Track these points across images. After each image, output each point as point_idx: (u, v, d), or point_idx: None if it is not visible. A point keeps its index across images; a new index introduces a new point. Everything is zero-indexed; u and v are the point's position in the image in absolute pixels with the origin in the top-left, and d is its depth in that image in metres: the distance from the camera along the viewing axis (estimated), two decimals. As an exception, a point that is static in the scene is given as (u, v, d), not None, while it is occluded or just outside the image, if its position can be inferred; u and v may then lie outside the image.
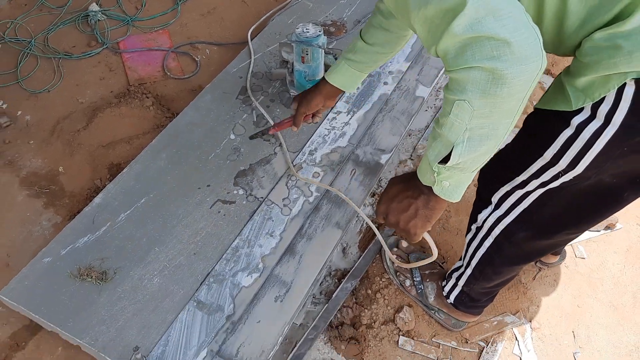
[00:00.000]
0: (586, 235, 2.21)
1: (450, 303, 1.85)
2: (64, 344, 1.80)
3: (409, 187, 1.10)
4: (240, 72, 2.45)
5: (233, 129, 2.26)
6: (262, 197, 2.08)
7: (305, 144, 2.22)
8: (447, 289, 1.82)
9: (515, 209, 1.39)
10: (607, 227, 2.23)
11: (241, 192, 2.09)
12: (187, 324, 1.76)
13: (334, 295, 1.99)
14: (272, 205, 2.06)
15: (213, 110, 2.31)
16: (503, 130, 0.91)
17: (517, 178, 1.30)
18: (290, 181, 2.13)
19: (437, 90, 2.62)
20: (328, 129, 2.28)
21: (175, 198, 2.03)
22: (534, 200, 1.33)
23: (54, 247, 1.91)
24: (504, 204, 1.40)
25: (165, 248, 1.92)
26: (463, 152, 0.94)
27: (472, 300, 1.79)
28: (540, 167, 1.23)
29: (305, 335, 1.90)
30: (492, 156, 0.98)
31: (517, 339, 1.96)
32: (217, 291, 1.83)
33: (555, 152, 1.15)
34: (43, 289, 1.79)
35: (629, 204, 1.31)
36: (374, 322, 1.96)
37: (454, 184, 1.02)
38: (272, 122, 2.21)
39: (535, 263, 2.08)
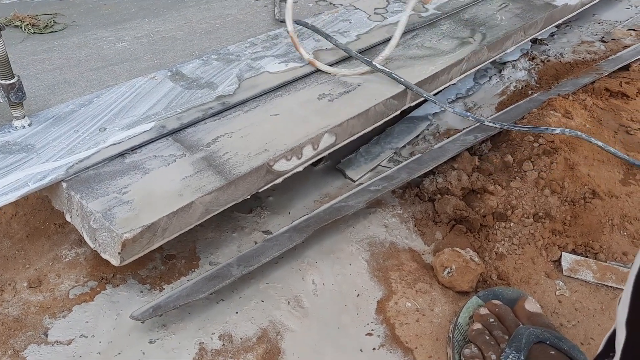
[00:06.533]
0: None
1: None
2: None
3: None
4: None
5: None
6: (340, 4, 1.22)
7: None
8: None
9: None
10: None
11: (309, -5, 1.25)
12: (140, 90, 0.88)
13: (436, 146, 0.99)
14: (355, 10, 1.19)
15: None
16: None
17: None
18: (393, -6, 1.26)
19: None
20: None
21: (206, -14, 1.24)
22: None
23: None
24: None
25: (160, 20, 1.11)
26: None
27: None
28: None
29: (362, 186, 0.90)
30: None
31: None
32: (216, 69, 0.95)
33: None
34: None
35: None
36: (512, 211, 0.91)
37: None
38: None
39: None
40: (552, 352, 0.67)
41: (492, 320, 0.72)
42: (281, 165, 0.80)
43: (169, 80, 0.93)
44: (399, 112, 0.97)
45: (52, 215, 0.88)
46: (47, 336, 0.72)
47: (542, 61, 1.31)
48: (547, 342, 0.68)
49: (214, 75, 0.95)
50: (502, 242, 0.90)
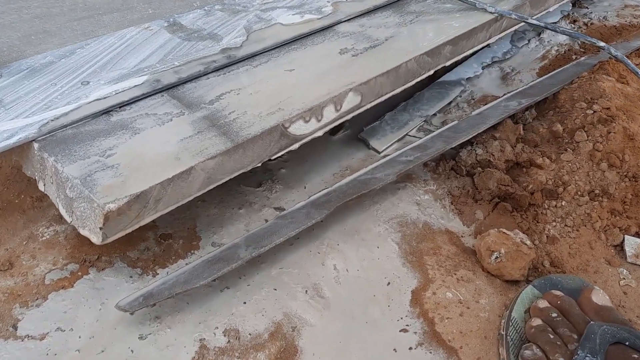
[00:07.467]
0: None
1: None
2: None
3: None
4: None
5: None
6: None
7: None
8: None
9: None
10: None
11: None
12: (131, 41, 0.74)
13: (474, 113, 0.86)
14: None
15: None
16: None
17: None
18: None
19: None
20: None
21: None
22: None
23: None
24: None
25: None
26: None
27: None
28: None
29: (391, 156, 0.77)
30: None
31: None
32: (220, 20, 0.81)
33: None
34: None
35: None
36: (563, 188, 0.78)
37: None
38: None
39: None
40: (635, 356, 0.54)
41: (554, 315, 0.59)
42: (298, 128, 0.67)
43: (166, 31, 0.79)
44: (432, 71, 0.84)
45: (28, 187, 0.75)
46: (16, 329, 0.59)
47: (585, 24, 1.17)
48: (627, 343, 0.55)
49: (217, 27, 0.81)
50: (554, 224, 0.76)
